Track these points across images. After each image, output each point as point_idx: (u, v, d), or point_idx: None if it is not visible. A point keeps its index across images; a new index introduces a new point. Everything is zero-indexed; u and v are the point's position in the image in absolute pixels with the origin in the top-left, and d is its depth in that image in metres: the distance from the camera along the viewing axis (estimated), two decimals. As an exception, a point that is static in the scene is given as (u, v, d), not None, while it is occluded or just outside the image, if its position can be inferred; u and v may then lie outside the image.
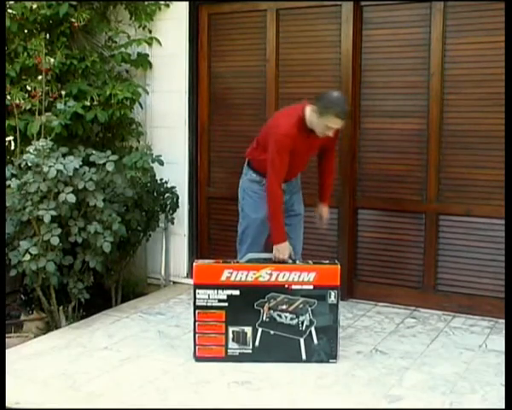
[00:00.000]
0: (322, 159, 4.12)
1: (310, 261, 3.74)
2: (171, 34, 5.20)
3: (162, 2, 5.18)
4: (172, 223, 5.20)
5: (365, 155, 4.72)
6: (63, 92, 4.82)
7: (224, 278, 3.59)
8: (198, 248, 5.37)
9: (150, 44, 5.23)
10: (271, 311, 3.61)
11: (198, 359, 3.64)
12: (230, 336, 3.62)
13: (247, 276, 3.59)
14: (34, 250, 4.09)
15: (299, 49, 4.87)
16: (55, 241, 4.09)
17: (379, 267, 4.79)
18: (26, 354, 3.78)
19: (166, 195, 5.07)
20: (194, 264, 3.69)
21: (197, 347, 3.64)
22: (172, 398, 3.21)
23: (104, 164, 4.33)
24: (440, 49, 4.44)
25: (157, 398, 3.20)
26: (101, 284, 4.96)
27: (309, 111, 3.73)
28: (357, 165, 4.74)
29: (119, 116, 4.94)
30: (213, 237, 5.33)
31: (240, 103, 5.13)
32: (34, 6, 4.87)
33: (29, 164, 4.17)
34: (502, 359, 3.52)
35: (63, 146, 4.39)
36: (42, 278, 4.25)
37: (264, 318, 3.61)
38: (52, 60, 4.78)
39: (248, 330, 3.62)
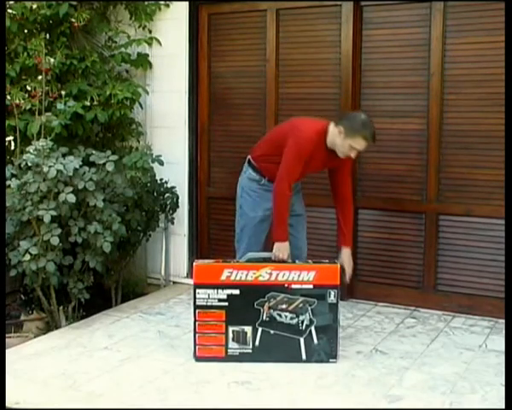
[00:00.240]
0: (338, 186, 4.00)
1: (309, 261, 3.75)
2: (171, 34, 5.20)
3: (162, 2, 5.18)
4: (172, 223, 5.20)
5: (365, 155, 4.70)
6: (63, 92, 4.82)
7: (223, 277, 3.60)
8: (198, 248, 5.38)
9: (150, 44, 5.23)
10: (271, 310, 3.61)
11: (198, 359, 3.64)
12: (230, 335, 3.62)
13: (246, 275, 3.59)
14: (34, 250, 4.09)
15: (299, 49, 4.87)
16: (55, 241, 4.09)
17: (379, 267, 4.79)
18: (26, 354, 3.78)
19: (166, 195, 5.07)
20: (194, 264, 3.69)
21: (197, 347, 3.64)
22: (172, 398, 3.21)
23: (104, 164, 4.33)
24: (440, 49, 4.44)
25: (157, 398, 3.20)
26: (101, 284, 4.96)
27: (332, 130, 3.73)
28: (357, 165, 4.74)
29: (119, 116, 4.94)
30: (213, 237, 5.33)
31: (240, 103, 5.13)
32: (34, 6, 4.87)
33: (29, 164, 4.17)
34: (502, 359, 3.51)
35: (63, 146, 4.39)
36: (42, 278, 4.25)
37: (264, 317, 3.61)
38: (52, 60, 4.78)
39: (248, 329, 3.62)
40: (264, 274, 3.60)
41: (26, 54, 4.86)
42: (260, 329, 3.62)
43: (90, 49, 5.10)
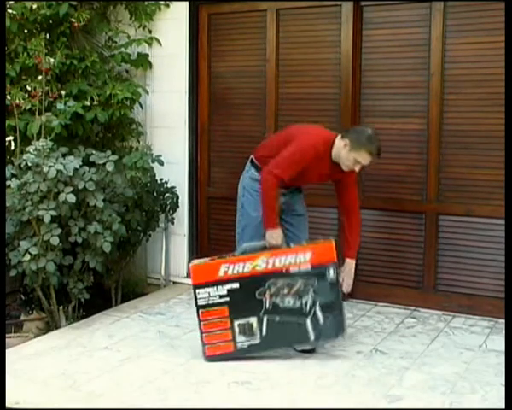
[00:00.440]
0: (343, 196, 3.98)
1: (304, 242, 3.74)
2: (171, 34, 5.20)
3: (162, 2, 5.18)
4: (172, 223, 5.20)
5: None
6: (63, 92, 4.82)
7: (221, 273, 3.59)
8: (198, 248, 5.37)
9: (150, 44, 5.23)
10: (273, 297, 3.59)
11: (208, 358, 3.62)
12: (237, 329, 3.61)
13: (244, 267, 3.58)
14: (34, 250, 4.09)
15: (299, 49, 4.87)
16: (55, 241, 4.09)
17: (379, 267, 4.79)
18: (26, 354, 3.78)
19: (166, 195, 5.07)
20: (190, 265, 3.69)
21: (205, 346, 3.63)
22: (172, 398, 3.21)
23: (104, 164, 4.33)
24: (440, 49, 4.44)
25: (157, 398, 3.20)
26: (101, 284, 4.96)
27: (338, 143, 3.72)
28: (357, 165, 4.74)
29: (119, 116, 4.94)
30: (213, 237, 5.33)
31: (240, 103, 5.13)
32: (34, 6, 4.87)
33: (29, 164, 4.17)
34: (502, 359, 3.51)
35: (63, 146, 4.39)
36: (42, 278, 4.25)
37: (268, 306, 3.60)
38: (52, 60, 4.78)
39: (253, 320, 3.60)
40: (261, 263, 3.59)
41: (26, 54, 4.86)
42: (265, 318, 3.60)
43: (90, 49, 5.10)
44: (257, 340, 3.62)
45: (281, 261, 3.59)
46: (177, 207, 5.14)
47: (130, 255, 5.06)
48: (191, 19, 5.15)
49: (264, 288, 3.59)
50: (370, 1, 4.62)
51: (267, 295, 3.60)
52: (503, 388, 2.99)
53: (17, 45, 4.91)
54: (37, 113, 4.57)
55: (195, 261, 3.74)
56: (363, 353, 3.81)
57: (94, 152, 4.45)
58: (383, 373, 3.51)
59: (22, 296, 4.89)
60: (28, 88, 4.82)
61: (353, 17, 4.63)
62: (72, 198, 4.09)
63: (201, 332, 3.63)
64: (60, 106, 4.60)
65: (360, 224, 4.03)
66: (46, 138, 4.34)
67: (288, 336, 3.62)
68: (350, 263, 3.96)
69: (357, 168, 3.74)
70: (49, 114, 4.59)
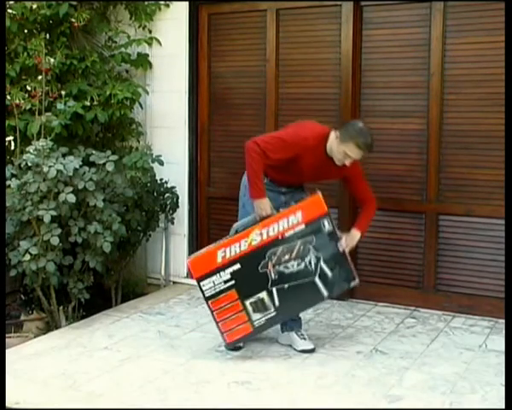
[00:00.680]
0: (356, 194, 4.00)
1: (292, 203, 3.71)
2: (171, 34, 5.20)
3: (162, 2, 5.19)
4: (172, 223, 5.20)
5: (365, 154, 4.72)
6: (63, 92, 4.82)
7: (219, 259, 3.58)
8: (198, 248, 5.32)
9: (150, 44, 5.24)
10: (277, 267, 3.59)
11: (229, 346, 3.63)
12: (250, 308, 3.60)
13: (240, 247, 3.58)
14: (34, 250, 4.10)
15: (299, 49, 4.87)
16: (55, 241, 4.09)
17: (379, 267, 4.79)
18: (26, 354, 3.78)
19: (166, 195, 5.07)
20: (186, 261, 3.68)
21: (224, 334, 3.63)
22: (172, 398, 3.21)
23: (104, 164, 4.33)
24: (440, 49, 4.44)
25: (157, 398, 3.20)
26: (101, 284, 4.96)
27: (332, 137, 3.72)
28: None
29: (119, 116, 4.95)
30: (213, 237, 5.28)
31: (240, 103, 5.13)
32: (34, 6, 4.87)
33: (29, 164, 4.17)
34: (502, 359, 3.51)
35: (63, 146, 4.39)
36: (42, 278, 4.25)
37: (273, 276, 3.60)
38: (52, 60, 4.78)
39: (263, 295, 3.60)
40: (256, 237, 3.58)
41: (26, 54, 4.86)
42: (274, 289, 3.60)
43: (90, 49, 5.11)
44: (272, 313, 3.62)
45: (274, 230, 3.58)
46: (177, 207, 5.14)
47: (130, 255, 5.06)
48: (191, 19, 5.15)
49: (265, 260, 3.59)
50: (370, 1, 4.62)
51: (270, 267, 3.59)
52: (503, 388, 2.99)
53: (17, 45, 4.91)
54: (37, 113, 4.57)
55: (191, 256, 3.75)
56: (363, 353, 3.81)
57: (94, 152, 4.45)
58: (383, 373, 3.51)
59: (22, 296, 4.89)
60: (28, 88, 4.82)
61: (353, 17, 4.63)
62: (72, 198, 4.09)
63: (216, 322, 3.63)
64: (60, 106, 4.60)
65: (374, 212, 3.99)
66: (46, 138, 4.34)
67: (302, 299, 3.63)
68: (356, 234, 3.86)
69: (347, 162, 3.69)
70: (49, 114, 4.60)
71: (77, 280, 4.42)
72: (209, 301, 3.61)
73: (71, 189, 4.13)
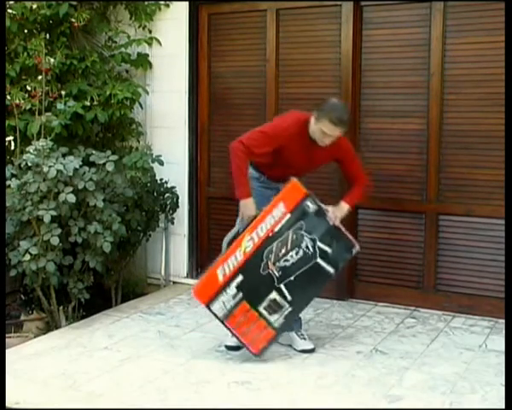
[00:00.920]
0: (349, 177, 3.93)
1: (271, 198, 3.68)
2: (171, 34, 5.20)
3: (162, 2, 5.18)
4: (172, 223, 5.20)
5: (365, 155, 4.71)
6: (63, 92, 4.83)
7: (221, 278, 3.58)
8: (198, 248, 5.37)
9: (150, 44, 5.24)
10: (277, 263, 3.60)
11: (258, 355, 3.60)
12: (265, 313, 3.60)
13: (236, 258, 3.58)
14: (34, 250, 4.10)
15: (299, 49, 4.87)
16: (55, 241, 4.09)
17: (379, 267, 4.79)
18: (26, 354, 3.78)
19: (166, 195, 5.07)
20: (191, 292, 3.68)
21: (250, 346, 3.61)
22: (172, 398, 3.21)
23: (104, 164, 4.33)
24: (440, 49, 4.44)
25: (157, 398, 3.20)
26: (101, 284, 4.96)
27: (312, 120, 3.70)
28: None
29: (119, 116, 4.95)
30: (213, 237, 5.32)
31: (240, 103, 5.13)
32: (34, 6, 4.87)
33: (29, 164, 4.17)
34: (502, 359, 3.51)
35: (63, 146, 4.39)
36: (42, 278, 4.25)
37: (277, 274, 3.60)
38: (52, 60, 4.78)
39: (274, 295, 3.60)
40: (248, 243, 3.58)
41: (26, 54, 4.86)
42: (282, 285, 3.61)
43: (90, 49, 5.11)
44: (288, 308, 3.61)
45: (262, 229, 3.58)
46: (177, 207, 5.14)
47: (130, 255, 5.06)
48: (191, 19, 5.15)
49: (264, 261, 3.59)
50: (370, 1, 4.62)
51: (271, 266, 3.59)
52: (503, 388, 2.99)
53: (17, 45, 4.91)
54: (37, 113, 4.57)
55: (194, 285, 3.74)
56: (363, 353, 3.81)
57: (94, 152, 4.45)
58: (383, 373, 3.51)
59: (22, 296, 4.89)
60: (28, 88, 4.83)
61: (353, 17, 4.63)
62: (72, 198, 4.09)
63: (237, 337, 3.62)
64: (60, 106, 4.60)
65: (365, 187, 3.94)
66: (46, 138, 4.34)
67: (312, 284, 3.63)
68: (343, 205, 3.81)
69: (327, 141, 3.65)
70: (49, 114, 4.60)
71: (77, 280, 4.43)
72: (225, 321, 3.61)
73: (71, 189, 4.13)
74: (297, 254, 3.60)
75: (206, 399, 3.20)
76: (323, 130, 3.61)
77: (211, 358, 3.71)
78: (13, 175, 4.28)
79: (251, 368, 3.54)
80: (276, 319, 3.61)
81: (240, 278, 3.58)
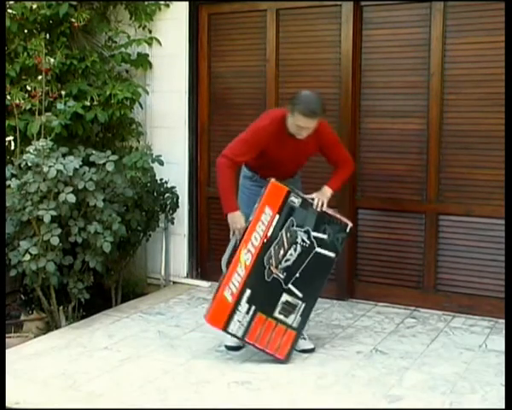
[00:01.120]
0: (335, 164, 3.92)
1: (256, 205, 3.68)
2: (171, 34, 5.20)
3: (162, 2, 5.18)
4: (172, 223, 5.20)
5: (365, 155, 4.72)
6: (63, 92, 4.82)
7: (229, 298, 3.57)
8: (198, 248, 5.37)
9: (150, 44, 5.24)
10: (279, 266, 3.60)
11: (285, 361, 3.61)
12: (282, 317, 3.61)
13: (239, 274, 3.58)
14: (34, 250, 4.10)
15: (299, 49, 4.87)
16: (55, 241, 4.09)
17: (379, 267, 4.79)
18: (26, 354, 3.78)
19: (166, 195, 5.07)
20: (206, 321, 3.68)
21: (275, 354, 3.62)
22: (172, 398, 3.21)
23: (104, 164, 4.33)
24: (440, 49, 4.44)
25: (157, 398, 3.20)
26: (101, 284, 4.96)
27: (288, 114, 3.70)
28: (357, 165, 4.73)
29: (119, 116, 4.95)
30: (213, 237, 5.33)
31: (240, 103, 5.13)
32: (34, 6, 4.87)
33: (29, 164, 4.17)
34: (502, 359, 3.51)
35: (63, 146, 4.39)
36: (42, 278, 4.25)
37: (282, 276, 3.61)
38: (52, 60, 4.78)
39: (284, 297, 3.61)
40: (246, 256, 3.58)
41: (26, 54, 4.86)
42: (289, 285, 3.61)
43: (90, 49, 5.11)
44: (302, 305, 3.63)
45: (256, 238, 3.59)
46: (177, 207, 5.14)
47: (130, 255, 5.06)
48: (191, 19, 5.15)
49: (267, 268, 3.59)
50: (370, 1, 4.62)
51: (274, 270, 3.60)
52: (503, 388, 2.99)
53: (17, 45, 4.91)
54: (37, 113, 4.57)
55: (206, 314, 3.73)
56: (363, 353, 3.81)
57: (94, 152, 4.45)
58: (383, 373, 3.51)
59: (22, 296, 4.89)
60: (28, 88, 4.83)
61: (353, 17, 4.63)
62: (72, 198, 4.09)
63: (262, 350, 3.62)
64: (60, 106, 4.60)
65: (350, 171, 3.94)
66: (46, 138, 4.34)
67: (317, 274, 3.64)
68: (326, 189, 3.78)
69: (304, 133, 3.64)
70: (49, 114, 4.60)
71: (77, 280, 4.42)
72: (245, 338, 3.61)
73: (71, 189, 4.13)
74: (295, 250, 3.61)
75: (206, 399, 3.20)
76: (298, 123, 3.60)
77: (211, 358, 3.71)
78: (13, 175, 4.28)
79: (251, 368, 3.54)
80: (294, 319, 3.63)
81: (248, 292, 3.57)
